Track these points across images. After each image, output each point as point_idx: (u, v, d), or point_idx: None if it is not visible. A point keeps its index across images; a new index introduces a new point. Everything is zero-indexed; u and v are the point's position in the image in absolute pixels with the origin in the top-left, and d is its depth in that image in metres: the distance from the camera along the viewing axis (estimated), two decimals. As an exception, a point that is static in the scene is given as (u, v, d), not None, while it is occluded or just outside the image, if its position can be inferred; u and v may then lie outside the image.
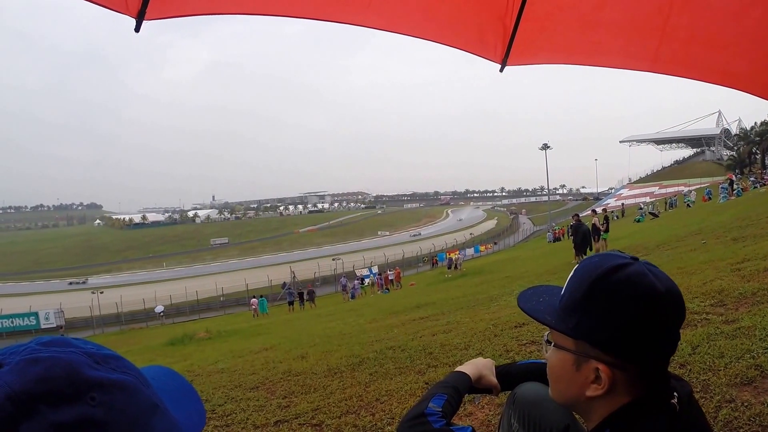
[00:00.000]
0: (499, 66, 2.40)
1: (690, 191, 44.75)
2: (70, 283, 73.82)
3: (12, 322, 37.56)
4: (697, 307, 4.50)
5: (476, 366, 1.31)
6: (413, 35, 2.30)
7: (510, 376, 1.34)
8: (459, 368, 1.31)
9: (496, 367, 1.36)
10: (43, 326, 36.68)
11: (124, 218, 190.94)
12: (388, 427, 3.26)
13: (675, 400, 0.88)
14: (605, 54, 2.44)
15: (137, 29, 1.84)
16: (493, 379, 1.32)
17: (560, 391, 0.97)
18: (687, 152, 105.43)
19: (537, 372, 1.28)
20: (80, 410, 0.51)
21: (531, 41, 2.32)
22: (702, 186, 55.16)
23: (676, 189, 67.71)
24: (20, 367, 0.51)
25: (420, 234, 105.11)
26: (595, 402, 0.90)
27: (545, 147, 69.75)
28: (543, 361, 1.16)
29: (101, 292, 41.76)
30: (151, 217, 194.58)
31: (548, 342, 1.00)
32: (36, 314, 37.73)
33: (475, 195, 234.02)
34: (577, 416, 1.09)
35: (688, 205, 35.27)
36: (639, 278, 0.87)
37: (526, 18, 2.21)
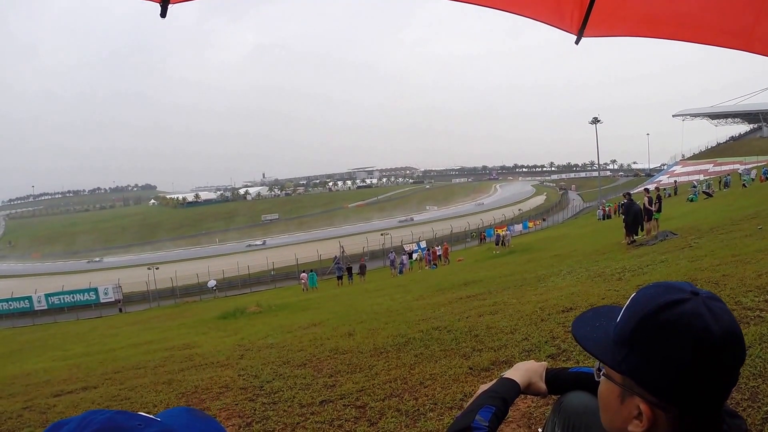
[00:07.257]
0: (575, 37, 2.20)
1: (746, 169, 42.65)
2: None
3: (73, 298, 39.92)
4: (750, 302, 4.22)
5: (527, 372, 1.30)
6: (485, 5, 2.13)
7: (559, 381, 1.32)
8: (509, 374, 1.29)
9: (547, 370, 1.34)
10: (102, 300, 38.84)
11: (177, 197, 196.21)
12: (430, 413, 3.28)
13: None
14: (693, 27, 2.20)
15: (163, 14, 1.82)
16: (542, 386, 1.30)
17: (607, 420, 0.94)
18: (743, 128, 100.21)
19: (587, 382, 1.25)
20: None
21: (611, 11, 2.12)
22: (759, 164, 51.62)
23: (731, 167, 64.63)
24: None
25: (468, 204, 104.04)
26: None
27: (595, 121, 67.95)
28: None
29: (157, 268, 43.21)
30: (204, 195, 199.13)
31: (599, 369, 0.96)
32: (96, 290, 39.89)
33: (524, 170, 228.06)
34: None
35: (744, 184, 33.79)
36: (692, 319, 0.80)
37: None
